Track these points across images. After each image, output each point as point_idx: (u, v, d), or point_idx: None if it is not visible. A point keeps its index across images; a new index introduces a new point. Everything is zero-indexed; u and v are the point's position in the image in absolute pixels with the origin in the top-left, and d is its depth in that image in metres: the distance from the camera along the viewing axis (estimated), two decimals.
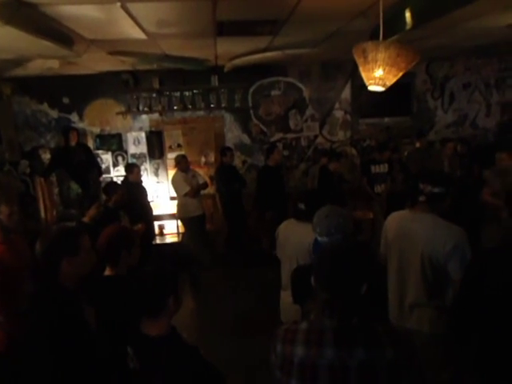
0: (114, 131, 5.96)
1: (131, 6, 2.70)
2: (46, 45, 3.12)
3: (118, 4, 2.59)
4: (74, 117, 5.85)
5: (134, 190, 4.80)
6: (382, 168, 5.39)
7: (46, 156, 5.82)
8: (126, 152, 6.00)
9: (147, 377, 1.48)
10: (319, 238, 2.21)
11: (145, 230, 4.17)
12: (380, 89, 2.54)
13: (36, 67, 4.52)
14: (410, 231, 2.17)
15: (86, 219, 3.51)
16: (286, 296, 2.56)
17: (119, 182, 5.06)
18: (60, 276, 1.77)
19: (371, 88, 2.58)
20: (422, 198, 2.12)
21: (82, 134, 5.73)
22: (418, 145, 5.90)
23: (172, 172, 5.62)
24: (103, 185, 4.85)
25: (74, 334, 1.66)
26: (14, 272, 2.47)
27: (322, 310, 1.36)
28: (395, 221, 2.34)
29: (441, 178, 2.19)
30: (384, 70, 2.40)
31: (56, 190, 5.85)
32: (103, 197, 4.30)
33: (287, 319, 2.51)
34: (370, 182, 5.40)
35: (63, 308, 1.69)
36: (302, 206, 2.65)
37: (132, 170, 5.06)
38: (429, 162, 5.56)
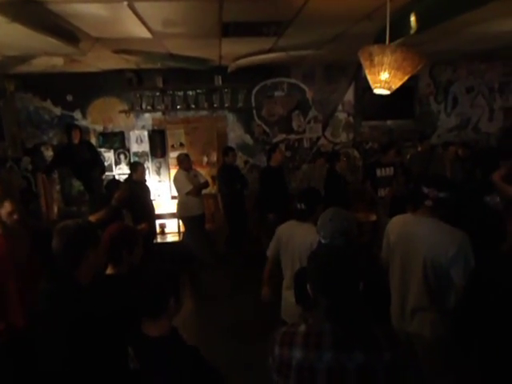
0: (116, 129, 5.95)
1: (138, 5, 2.71)
2: (51, 42, 3.12)
3: (125, 3, 2.60)
4: (78, 114, 5.85)
5: (137, 188, 4.80)
6: (388, 171, 5.21)
7: (49, 153, 5.82)
8: (128, 150, 6.00)
9: (148, 377, 1.48)
10: (323, 241, 2.21)
11: (148, 230, 4.16)
12: (386, 92, 2.54)
13: (40, 64, 4.52)
14: (413, 235, 2.17)
15: (92, 219, 3.42)
16: (289, 295, 2.57)
17: (121, 180, 5.05)
18: (78, 273, 1.80)
19: (377, 91, 2.57)
20: (428, 203, 2.12)
21: (85, 131, 5.74)
22: (420, 148, 5.88)
23: (174, 171, 5.63)
24: (105, 183, 4.85)
25: (93, 333, 1.67)
26: (8, 268, 2.49)
27: (321, 313, 1.36)
28: (397, 224, 2.34)
29: (446, 183, 2.20)
30: (390, 73, 2.40)
31: (57, 187, 5.86)
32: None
33: (289, 318, 2.52)
34: (373, 185, 5.25)
35: (83, 306, 1.70)
36: (302, 205, 2.65)
37: (136, 168, 5.07)
38: (431, 166, 5.55)
